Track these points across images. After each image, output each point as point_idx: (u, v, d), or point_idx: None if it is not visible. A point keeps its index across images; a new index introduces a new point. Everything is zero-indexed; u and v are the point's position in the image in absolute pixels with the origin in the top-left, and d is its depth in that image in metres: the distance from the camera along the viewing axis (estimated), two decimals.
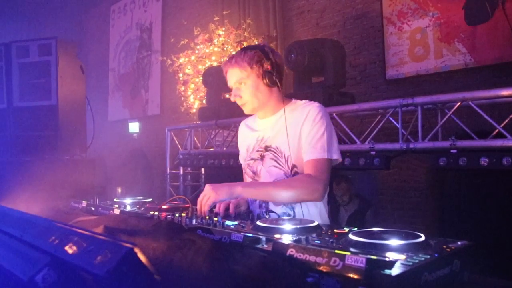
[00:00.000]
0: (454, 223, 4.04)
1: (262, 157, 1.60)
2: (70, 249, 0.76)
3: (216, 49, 4.89)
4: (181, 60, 5.07)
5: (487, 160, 2.04)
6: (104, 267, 0.63)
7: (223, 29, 5.00)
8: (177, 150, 4.55)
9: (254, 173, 1.63)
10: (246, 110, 1.61)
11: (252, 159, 1.64)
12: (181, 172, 4.59)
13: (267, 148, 1.59)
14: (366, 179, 4.62)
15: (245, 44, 4.83)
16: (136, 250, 0.66)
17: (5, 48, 3.58)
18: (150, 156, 7.43)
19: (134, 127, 7.75)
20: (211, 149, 4.12)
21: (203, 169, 4.73)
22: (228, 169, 3.87)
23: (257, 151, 1.62)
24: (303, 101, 1.59)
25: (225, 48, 4.89)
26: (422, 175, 4.04)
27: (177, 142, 4.66)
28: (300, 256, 0.86)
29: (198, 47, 4.99)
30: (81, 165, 4.07)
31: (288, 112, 1.55)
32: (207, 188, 1.40)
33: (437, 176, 4.03)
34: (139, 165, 7.71)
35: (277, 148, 1.56)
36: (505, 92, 2.06)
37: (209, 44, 4.94)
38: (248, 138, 1.69)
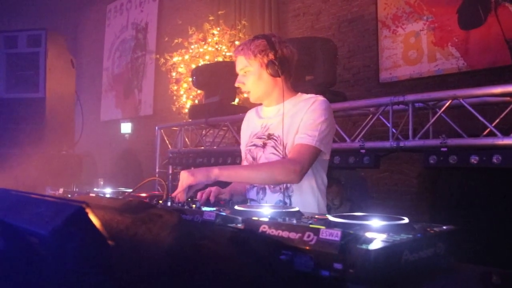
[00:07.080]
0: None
1: (264, 145, 1.61)
2: (21, 214, 0.69)
3: (210, 48, 4.86)
4: (175, 59, 5.02)
5: (477, 158, 2.01)
6: (50, 226, 0.57)
7: (218, 29, 4.97)
8: (168, 149, 4.49)
9: (254, 159, 1.63)
10: (251, 98, 1.64)
11: (254, 144, 1.65)
12: (170, 171, 4.51)
13: (269, 136, 1.60)
14: (358, 183, 4.57)
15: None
16: (88, 210, 0.60)
17: None
18: (141, 156, 7.34)
19: (126, 127, 7.66)
20: (201, 147, 4.06)
21: (193, 168, 4.66)
22: None
23: (260, 138, 1.63)
24: (310, 94, 1.60)
25: (218, 48, 4.85)
26: (414, 179, 4.00)
27: (167, 142, 4.59)
28: (272, 232, 0.80)
29: (192, 46, 4.95)
30: (68, 160, 3.99)
31: (292, 104, 1.57)
32: (183, 173, 1.37)
33: (428, 179, 4.00)
34: (130, 165, 7.61)
35: (278, 137, 1.57)
36: (496, 90, 2.03)
37: (203, 43, 4.90)
38: (253, 124, 1.71)
